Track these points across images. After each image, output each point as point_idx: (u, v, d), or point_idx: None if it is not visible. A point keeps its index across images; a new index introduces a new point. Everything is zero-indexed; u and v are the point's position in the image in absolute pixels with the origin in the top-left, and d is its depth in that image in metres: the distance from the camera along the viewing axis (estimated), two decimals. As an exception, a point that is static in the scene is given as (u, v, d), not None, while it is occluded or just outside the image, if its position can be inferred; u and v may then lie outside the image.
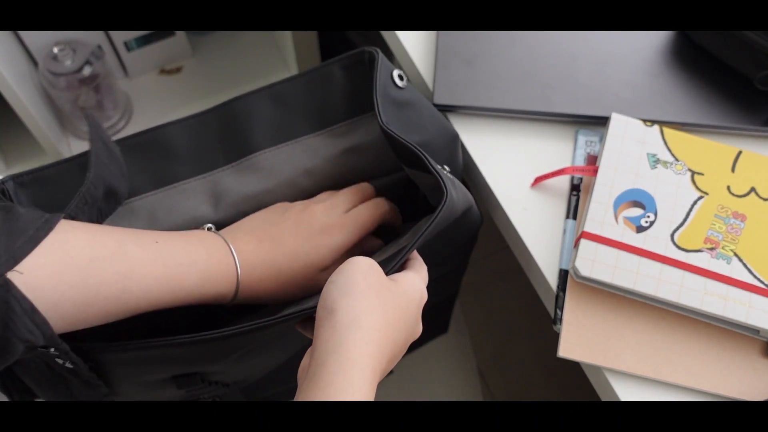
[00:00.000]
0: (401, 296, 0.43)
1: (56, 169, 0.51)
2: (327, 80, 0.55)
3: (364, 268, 0.42)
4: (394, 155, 0.52)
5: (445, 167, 0.52)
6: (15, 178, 0.50)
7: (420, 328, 0.46)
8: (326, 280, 0.45)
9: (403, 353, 0.44)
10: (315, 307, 0.43)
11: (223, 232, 0.50)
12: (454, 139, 0.57)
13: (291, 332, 0.51)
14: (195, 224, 0.52)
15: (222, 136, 0.54)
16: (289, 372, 0.52)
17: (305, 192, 0.54)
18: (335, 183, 0.55)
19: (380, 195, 0.58)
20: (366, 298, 0.40)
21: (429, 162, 0.47)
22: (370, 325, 0.39)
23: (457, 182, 0.51)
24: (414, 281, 0.45)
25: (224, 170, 0.53)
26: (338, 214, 0.51)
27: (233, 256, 0.48)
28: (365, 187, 0.54)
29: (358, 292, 0.40)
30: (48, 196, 0.50)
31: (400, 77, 0.53)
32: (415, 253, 0.48)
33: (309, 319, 0.46)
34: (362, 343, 0.38)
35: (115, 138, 0.53)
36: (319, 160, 0.54)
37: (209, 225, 0.51)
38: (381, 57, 0.52)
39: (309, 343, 0.42)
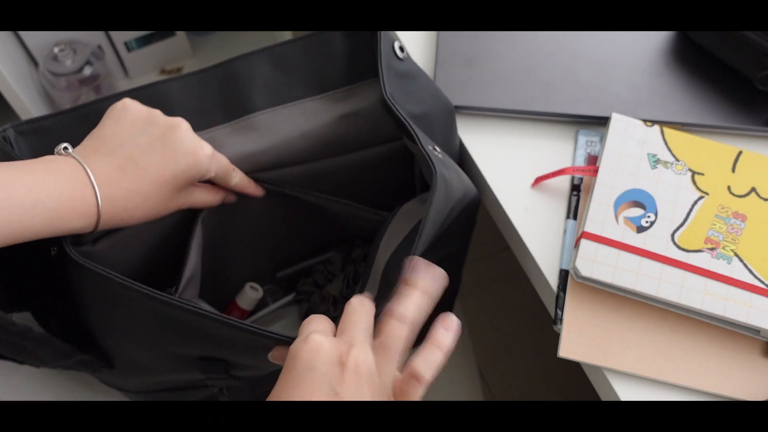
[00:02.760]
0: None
1: (56, 119, 0.51)
2: (327, 45, 0.55)
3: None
4: (396, 126, 0.53)
5: (437, 148, 0.52)
6: (15, 126, 0.50)
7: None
8: (188, 193, 0.49)
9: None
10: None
11: (79, 152, 0.48)
12: (451, 112, 0.58)
13: None
14: None
15: (221, 95, 0.55)
16: None
17: (300, 152, 0.55)
18: (330, 146, 0.56)
19: (377, 164, 0.59)
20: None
21: (420, 144, 0.48)
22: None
23: (450, 161, 0.51)
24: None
25: (222, 128, 0.54)
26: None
27: (93, 188, 0.46)
28: None
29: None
30: (47, 145, 0.51)
31: (401, 49, 0.54)
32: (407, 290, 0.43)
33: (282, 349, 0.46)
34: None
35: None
36: (316, 124, 0.54)
37: (65, 145, 0.48)
38: None
39: None
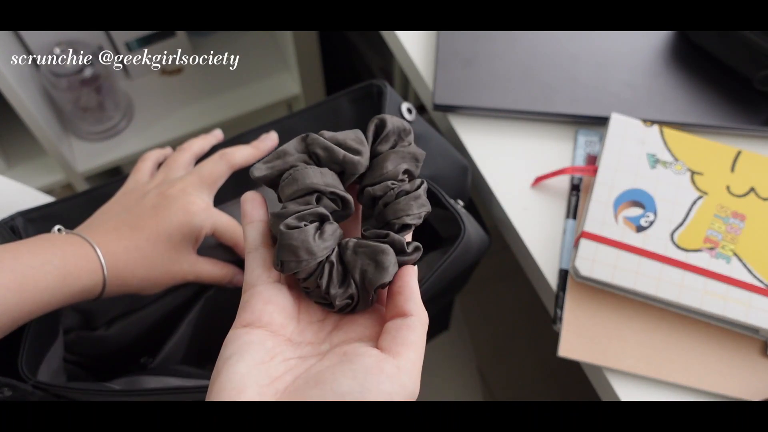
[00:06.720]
0: None
1: (64, 205, 0.52)
2: (335, 114, 0.55)
3: None
4: None
5: (459, 201, 0.52)
6: (24, 214, 0.51)
7: None
8: (193, 262, 0.50)
9: None
10: None
11: (76, 229, 0.50)
12: (464, 169, 0.57)
13: None
14: (206, 253, 0.52)
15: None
16: None
17: None
18: None
19: None
20: None
21: (445, 199, 0.48)
22: None
23: (471, 217, 0.51)
24: None
25: (233, 204, 0.54)
26: (192, 191, 0.51)
27: (92, 245, 0.47)
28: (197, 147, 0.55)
29: None
30: None
31: (409, 110, 0.53)
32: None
33: None
34: None
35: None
36: None
37: (58, 227, 0.50)
38: (389, 90, 0.52)
39: None
